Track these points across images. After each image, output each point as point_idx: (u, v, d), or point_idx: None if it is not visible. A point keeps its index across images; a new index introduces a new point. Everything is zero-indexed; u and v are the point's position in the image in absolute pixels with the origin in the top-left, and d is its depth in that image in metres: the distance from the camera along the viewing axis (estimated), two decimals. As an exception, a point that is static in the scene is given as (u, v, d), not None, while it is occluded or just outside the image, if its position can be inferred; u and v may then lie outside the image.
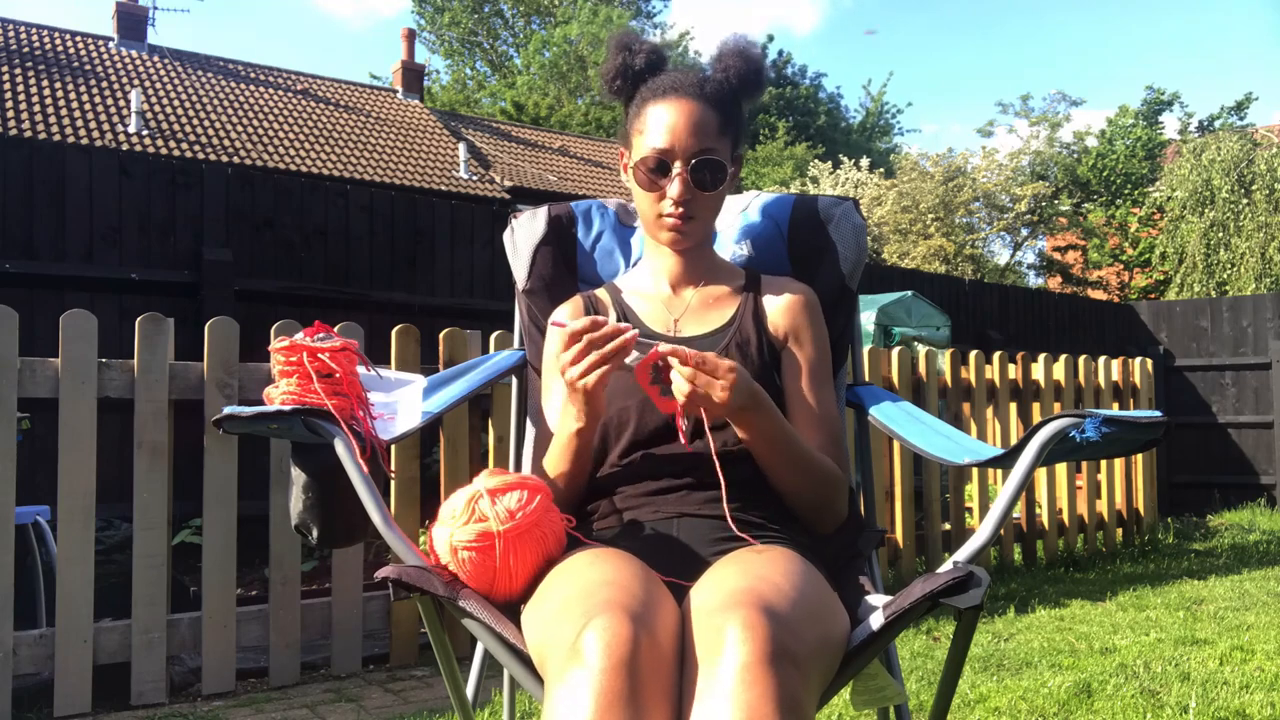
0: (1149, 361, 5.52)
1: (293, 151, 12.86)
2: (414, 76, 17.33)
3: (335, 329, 1.22)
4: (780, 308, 1.39)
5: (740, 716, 0.83)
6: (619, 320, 1.42)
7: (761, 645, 0.86)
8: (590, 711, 0.84)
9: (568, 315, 1.45)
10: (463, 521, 1.08)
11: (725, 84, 1.37)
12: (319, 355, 1.14)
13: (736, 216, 1.62)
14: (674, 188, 1.32)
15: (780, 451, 1.22)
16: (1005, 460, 1.10)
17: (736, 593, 0.93)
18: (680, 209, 1.33)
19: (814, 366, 1.37)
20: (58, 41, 13.48)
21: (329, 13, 60.96)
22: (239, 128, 13.01)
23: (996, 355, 4.73)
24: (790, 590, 0.96)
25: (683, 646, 0.94)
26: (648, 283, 1.46)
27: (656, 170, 1.33)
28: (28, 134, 10.69)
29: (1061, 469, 4.85)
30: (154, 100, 12.84)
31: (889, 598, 1.06)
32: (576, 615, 0.92)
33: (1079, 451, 1.07)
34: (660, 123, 1.33)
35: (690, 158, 1.31)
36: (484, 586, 1.09)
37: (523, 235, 1.61)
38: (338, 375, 1.15)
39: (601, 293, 1.48)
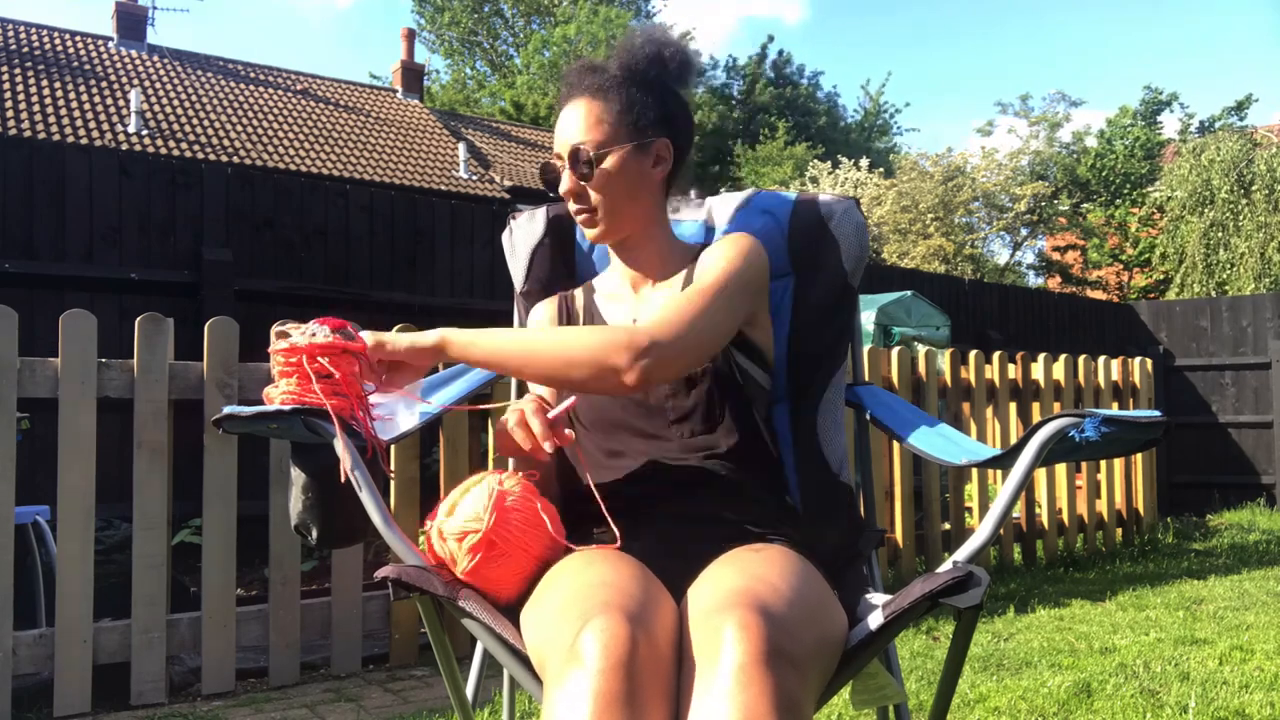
0: (1149, 361, 5.52)
1: (293, 151, 12.86)
2: (414, 76, 17.33)
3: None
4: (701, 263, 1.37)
5: (738, 717, 0.83)
6: (585, 321, 1.45)
7: (758, 645, 0.86)
8: (589, 712, 0.84)
9: (545, 315, 1.49)
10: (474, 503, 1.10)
11: (605, 69, 1.37)
12: (318, 357, 1.14)
13: (733, 212, 1.60)
14: (562, 184, 1.35)
15: (506, 357, 1.18)
16: (1004, 460, 1.10)
17: (733, 593, 0.93)
18: (576, 204, 1.36)
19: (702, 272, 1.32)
20: (57, 41, 13.47)
21: (286, 5, 61.17)
22: (239, 128, 13.01)
23: (996, 355, 4.73)
24: (787, 590, 0.96)
25: (681, 647, 0.94)
26: (615, 283, 1.47)
27: (555, 176, 1.37)
28: (28, 134, 10.69)
29: (1061, 469, 4.85)
30: (154, 100, 12.84)
31: (888, 597, 1.06)
32: (574, 616, 0.92)
33: (1078, 451, 1.07)
34: (556, 129, 1.38)
35: (569, 154, 1.34)
36: (490, 569, 1.09)
37: (521, 236, 1.61)
38: (337, 376, 1.15)
39: (578, 293, 1.49)
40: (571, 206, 1.37)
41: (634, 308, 1.41)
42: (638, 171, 1.36)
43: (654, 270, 1.41)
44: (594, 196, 1.34)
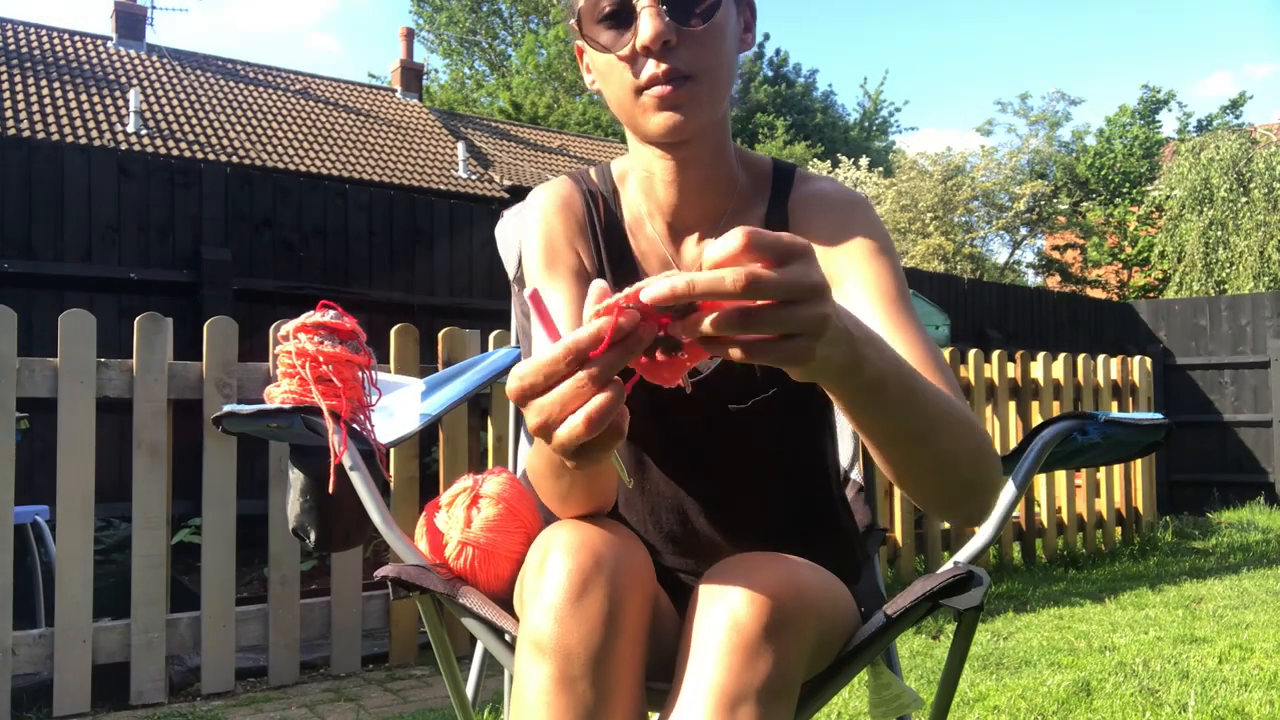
0: (1148, 360, 5.52)
1: (292, 151, 12.85)
2: (413, 76, 17.32)
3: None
4: (819, 249, 0.99)
5: (725, 681, 0.79)
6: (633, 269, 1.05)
7: (764, 610, 0.82)
8: (561, 586, 0.83)
9: (556, 196, 1.09)
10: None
11: None
12: (320, 364, 1.14)
13: None
14: (645, 27, 0.89)
15: (902, 411, 0.75)
16: (1004, 465, 1.09)
17: (751, 558, 0.89)
18: (664, 64, 0.90)
19: (890, 291, 0.98)
20: (57, 41, 13.46)
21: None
22: (238, 127, 13.00)
23: (995, 354, 4.73)
24: (807, 569, 0.92)
25: (653, 603, 0.91)
26: (640, 231, 1.07)
27: (612, 17, 0.92)
28: (27, 134, 10.68)
29: (1060, 467, 4.85)
30: (153, 100, 12.83)
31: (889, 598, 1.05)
32: (543, 550, 0.90)
33: (1080, 456, 1.06)
34: None
35: None
36: (474, 575, 1.08)
37: (514, 226, 1.58)
38: (339, 386, 1.15)
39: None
40: (650, 70, 0.91)
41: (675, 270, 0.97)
42: (733, 32, 0.97)
43: (713, 206, 1.03)
44: (702, 54, 0.92)
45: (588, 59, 1.00)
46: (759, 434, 1.08)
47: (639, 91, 0.93)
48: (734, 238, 0.58)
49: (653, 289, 0.59)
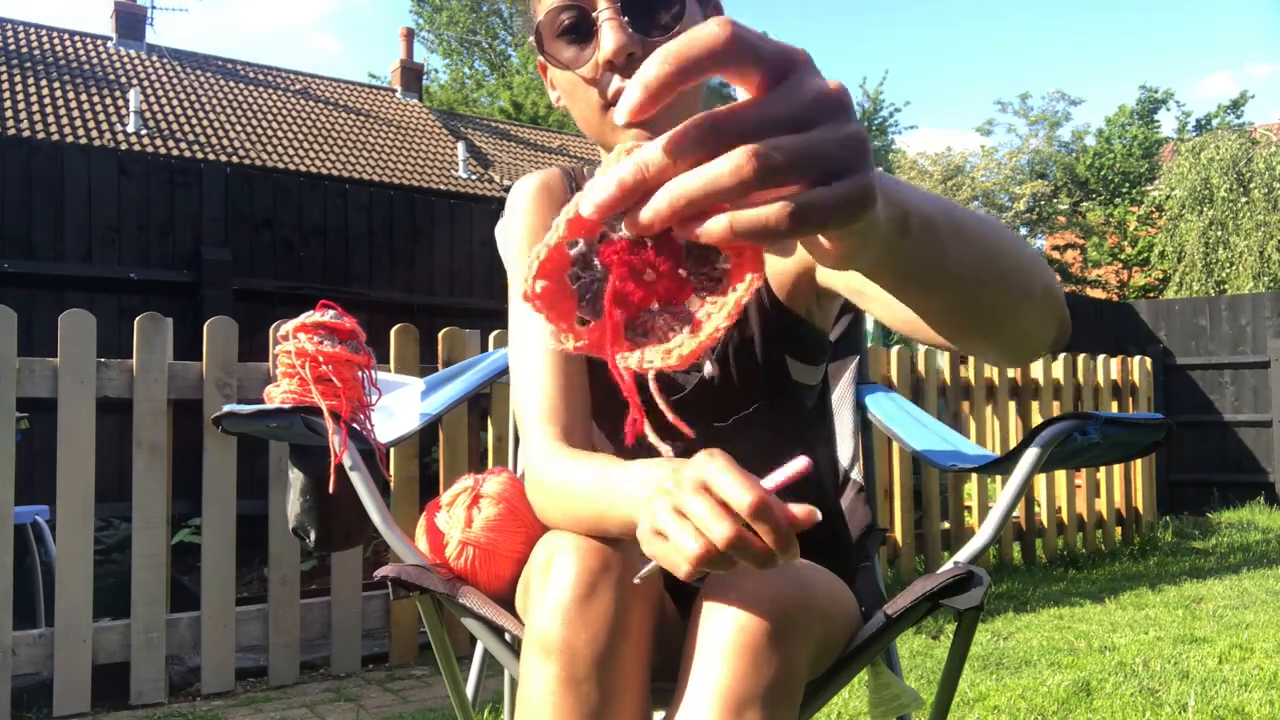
0: (1148, 360, 5.52)
1: (292, 151, 12.85)
2: (413, 76, 17.32)
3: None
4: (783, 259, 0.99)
5: (732, 684, 0.79)
6: None
7: (769, 613, 0.82)
8: (569, 587, 0.83)
9: (540, 184, 1.10)
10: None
11: None
12: (320, 364, 1.14)
13: None
14: (607, 40, 0.88)
15: (960, 249, 0.61)
16: (1004, 465, 1.09)
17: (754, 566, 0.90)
18: (629, 78, 0.83)
19: None
20: (56, 42, 13.46)
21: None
22: (238, 127, 13.00)
23: (996, 354, 4.73)
24: (809, 571, 0.93)
25: (663, 605, 0.92)
26: None
27: (572, 31, 0.90)
28: (27, 134, 10.68)
29: (1061, 467, 4.85)
30: (153, 100, 12.83)
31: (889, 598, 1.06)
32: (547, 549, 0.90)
33: (1079, 456, 1.06)
34: None
35: None
36: (474, 576, 1.08)
37: None
38: (339, 386, 1.15)
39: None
40: (615, 85, 0.90)
41: None
42: None
43: None
44: None
45: (551, 75, 0.97)
46: (750, 444, 1.07)
47: (606, 108, 0.92)
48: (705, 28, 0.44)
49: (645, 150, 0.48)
